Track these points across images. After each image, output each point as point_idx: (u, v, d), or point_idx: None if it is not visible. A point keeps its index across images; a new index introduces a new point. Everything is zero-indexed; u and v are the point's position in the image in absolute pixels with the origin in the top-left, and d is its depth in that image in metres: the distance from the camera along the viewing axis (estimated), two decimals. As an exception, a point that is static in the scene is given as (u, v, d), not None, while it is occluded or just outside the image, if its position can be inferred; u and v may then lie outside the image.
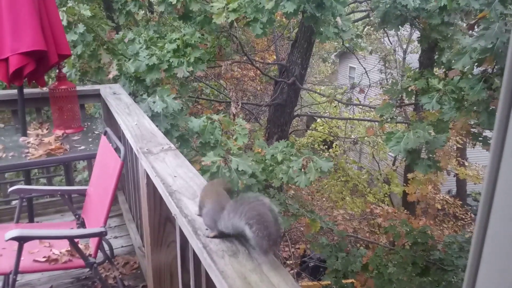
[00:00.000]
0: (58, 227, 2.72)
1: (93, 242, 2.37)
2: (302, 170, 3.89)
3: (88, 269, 2.32)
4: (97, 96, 3.71)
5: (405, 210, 9.85)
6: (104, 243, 2.48)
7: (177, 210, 1.50)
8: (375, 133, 10.62)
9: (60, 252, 2.33)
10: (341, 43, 9.66)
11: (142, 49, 4.24)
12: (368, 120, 11.81)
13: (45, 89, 3.38)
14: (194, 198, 1.58)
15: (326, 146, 14.94)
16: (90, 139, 3.18)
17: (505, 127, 0.45)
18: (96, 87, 3.78)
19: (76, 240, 2.20)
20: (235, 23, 4.78)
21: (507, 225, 0.45)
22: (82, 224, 2.66)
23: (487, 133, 4.67)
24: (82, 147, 3.02)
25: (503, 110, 0.45)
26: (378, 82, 12.53)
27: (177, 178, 1.75)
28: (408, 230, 5.76)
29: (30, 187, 2.69)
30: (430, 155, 4.38)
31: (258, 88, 13.53)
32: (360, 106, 11.52)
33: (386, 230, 6.09)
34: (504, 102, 0.45)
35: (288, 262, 9.17)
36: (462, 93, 4.12)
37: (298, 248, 9.59)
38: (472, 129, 4.67)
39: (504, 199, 0.46)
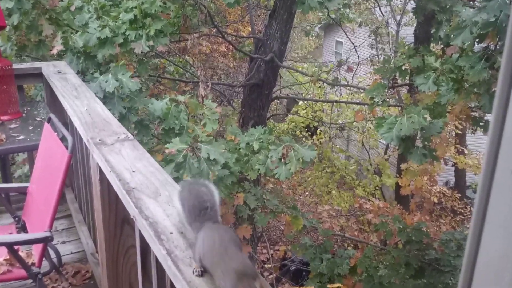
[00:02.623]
0: (-7, 232, 2.66)
1: (36, 249, 2.33)
2: (282, 160, 3.92)
3: (31, 281, 2.28)
4: (38, 75, 3.62)
5: (398, 205, 10.10)
6: (50, 249, 2.45)
7: (136, 211, 1.49)
8: (365, 118, 10.79)
9: (-3, 262, 2.28)
10: (326, 13, 9.71)
11: (92, 19, 4.14)
12: (356, 103, 11.96)
13: (-26, 67, 3.26)
14: (156, 196, 1.57)
15: (310, 133, 15.07)
16: (30, 127, 3.11)
17: (504, 111, 0.47)
18: (37, 64, 3.69)
19: (16, 247, 2.16)
20: (203, -10, 4.72)
21: (506, 219, 0.47)
22: (22, 228, 2.61)
23: (488, 117, 4.82)
24: (21, 137, 2.95)
25: (502, 92, 0.47)
26: (368, 59, 12.66)
27: (135, 173, 1.74)
28: (401, 227, 5.92)
29: (-42, 185, 2.62)
30: (426, 143, 4.49)
31: (231, 66, 13.47)
32: (348, 87, 11.64)
33: (377, 227, 6.24)
34: (504, 83, 0.47)
35: (266, 265, 9.29)
36: (462, 72, 4.22)
37: (278, 250, 9.72)
38: (472, 113, 4.81)
39: (503, 190, 0.48)
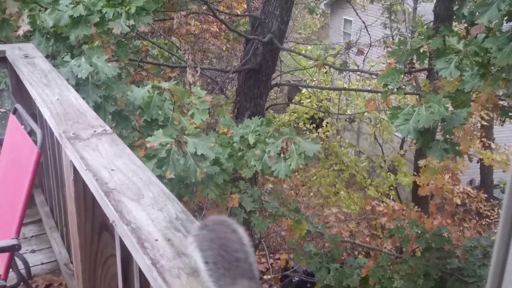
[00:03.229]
0: (-48, 240, 2.66)
1: (1, 259, 2.33)
2: (281, 155, 3.93)
3: (-4, 296, 2.29)
4: (1, 60, 3.60)
5: (416, 207, 10.13)
6: (17, 259, 2.45)
7: (116, 216, 1.50)
8: (378, 108, 10.79)
9: (-43, 274, 2.28)
10: (333, -12, 9.68)
11: (63, -6, 4.12)
12: (368, 91, 11.95)
13: None
14: (139, 198, 1.57)
15: (314, 125, 15.08)
16: (-7, 120, 3.10)
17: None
18: (0, 47, 3.67)
19: (-22, 257, 2.16)
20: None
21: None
22: (-14, 235, 2.60)
23: (519, 106, 4.83)
24: (-17, 131, 2.94)
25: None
26: (382, 40, 12.66)
27: (115, 172, 1.74)
28: (419, 232, 5.94)
29: None
30: (448, 136, 4.50)
31: (224, 48, 13.44)
32: (358, 73, 11.64)
33: (392, 233, 6.26)
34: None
35: (265, 277, 9.31)
36: (488, 55, 4.22)
37: (279, 259, 9.76)
38: (500, 102, 4.82)
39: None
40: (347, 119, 14.01)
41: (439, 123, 4.41)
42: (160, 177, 3.33)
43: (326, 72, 12.55)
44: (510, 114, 4.73)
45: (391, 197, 13.44)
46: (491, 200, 14.07)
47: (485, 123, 12.00)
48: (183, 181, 3.75)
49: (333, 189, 13.32)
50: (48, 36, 4.14)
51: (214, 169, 3.67)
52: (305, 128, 14.76)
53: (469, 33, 4.62)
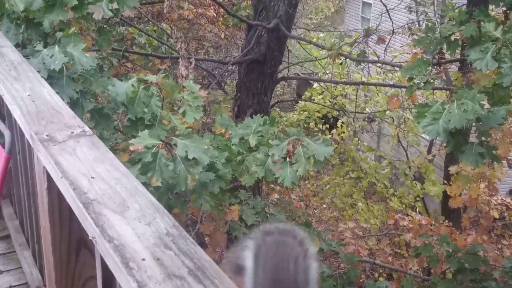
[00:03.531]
0: None
1: (-36, 281, 2.34)
2: (287, 159, 3.92)
3: (-43, 324, 2.29)
4: (-36, 49, 3.62)
5: (446, 221, 10.11)
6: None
7: (97, 231, 1.50)
8: (401, 106, 10.78)
9: None
10: (350, -35, 9.69)
11: (36, -26, 4.13)
12: (390, 86, 11.94)
13: None
14: (123, 211, 1.57)
15: (328, 126, 15.08)
16: (-45, 119, 3.11)
17: None
18: (-37, 35, 3.68)
19: None
20: None
21: None
22: None
23: None
24: None
25: None
26: (406, 26, 12.66)
27: (95, 180, 1.74)
28: (451, 250, 5.93)
29: None
30: (483, 138, 4.49)
31: (222, 36, 13.45)
32: (379, 64, 11.63)
33: (418, 251, 6.25)
34: None
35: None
36: (531, 44, 4.22)
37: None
38: (544, 99, 4.81)
39: None
40: (366, 119, 13.98)
41: (473, 123, 4.40)
42: (145, 185, 3.33)
43: (341, 64, 12.55)
44: (556, 112, 4.72)
45: (417, 210, 13.41)
46: (535, 213, 14.03)
47: (527, 123, 11.97)
48: (172, 190, 3.74)
49: (349, 200, 13.30)
50: (18, 22, 4.15)
51: (208, 176, 3.66)
52: (316, 129, 14.75)
53: (508, 18, 4.62)
